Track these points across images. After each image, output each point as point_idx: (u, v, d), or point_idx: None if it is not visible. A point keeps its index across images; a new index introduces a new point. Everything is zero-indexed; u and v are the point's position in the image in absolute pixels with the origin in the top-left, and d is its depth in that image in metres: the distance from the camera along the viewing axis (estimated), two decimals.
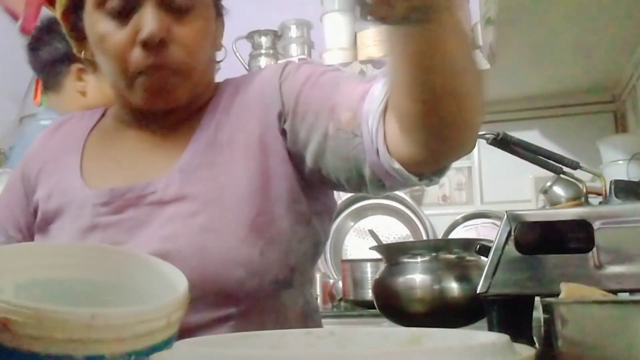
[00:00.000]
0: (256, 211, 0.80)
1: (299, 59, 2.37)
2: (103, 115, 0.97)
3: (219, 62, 0.95)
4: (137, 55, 0.79)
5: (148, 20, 0.77)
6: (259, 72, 0.91)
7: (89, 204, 0.84)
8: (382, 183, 0.76)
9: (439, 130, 0.67)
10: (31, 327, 0.52)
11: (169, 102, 0.84)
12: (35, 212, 0.90)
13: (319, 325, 0.91)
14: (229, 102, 0.87)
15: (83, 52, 0.90)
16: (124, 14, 0.79)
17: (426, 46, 0.60)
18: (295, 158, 0.83)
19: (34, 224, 0.90)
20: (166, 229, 0.79)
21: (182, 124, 0.87)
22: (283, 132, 0.84)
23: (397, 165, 0.71)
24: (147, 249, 0.71)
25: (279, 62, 0.93)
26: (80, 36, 0.87)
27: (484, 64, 2.11)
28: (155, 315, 0.57)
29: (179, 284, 0.62)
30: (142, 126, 0.89)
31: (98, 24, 0.81)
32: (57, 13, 0.88)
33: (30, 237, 0.91)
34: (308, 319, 0.87)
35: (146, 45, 0.78)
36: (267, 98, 0.84)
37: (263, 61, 2.46)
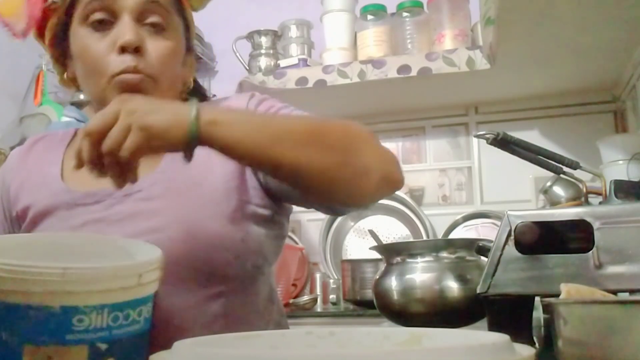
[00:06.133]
0: (234, 207, 0.92)
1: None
2: (75, 134, 1.08)
3: (185, 99, 1.01)
4: (115, 59, 0.90)
5: (126, 30, 0.90)
6: (225, 99, 1.04)
7: (80, 204, 0.94)
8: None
9: (309, 193, 0.87)
10: (11, 282, 0.56)
11: None
12: (18, 220, 1.00)
13: (280, 307, 1.05)
14: None
15: (66, 74, 1.01)
16: (104, 27, 0.91)
17: (222, 149, 0.75)
18: (257, 175, 0.96)
19: (11, 232, 1.01)
20: (152, 220, 0.89)
21: None
22: None
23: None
24: (137, 239, 0.79)
25: (244, 93, 1.02)
26: (63, 58, 1.00)
27: (483, 64, 2.12)
28: (125, 272, 0.61)
29: (152, 252, 0.67)
30: None
31: (83, 37, 0.93)
32: (45, 41, 0.99)
33: None
34: (273, 300, 1.02)
35: (123, 50, 0.90)
36: None
37: (263, 61, 2.45)
